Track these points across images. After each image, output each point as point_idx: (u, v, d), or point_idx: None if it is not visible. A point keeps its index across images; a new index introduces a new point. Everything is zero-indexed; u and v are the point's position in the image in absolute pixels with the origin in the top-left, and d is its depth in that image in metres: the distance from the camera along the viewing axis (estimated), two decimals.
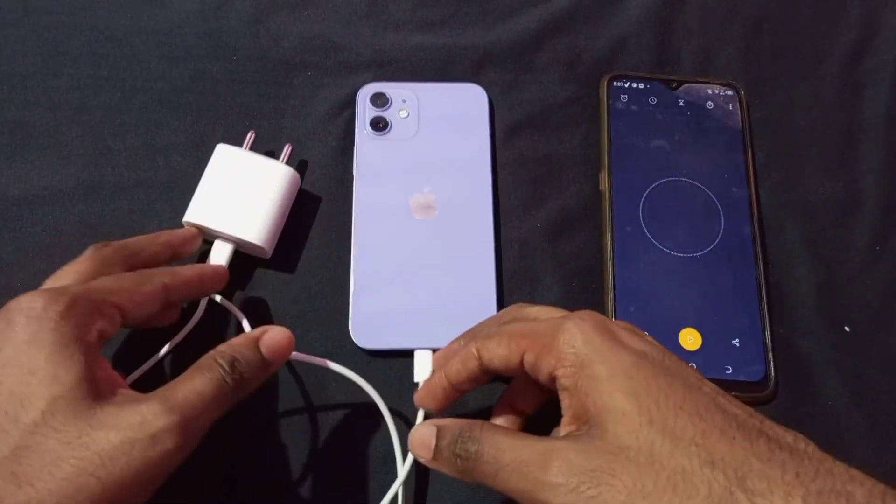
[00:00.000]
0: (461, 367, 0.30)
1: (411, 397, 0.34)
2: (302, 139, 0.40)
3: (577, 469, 0.24)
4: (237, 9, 0.43)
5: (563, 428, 0.27)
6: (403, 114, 0.40)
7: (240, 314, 0.35)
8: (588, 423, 0.25)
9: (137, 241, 0.34)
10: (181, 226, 0.37)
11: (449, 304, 0.37)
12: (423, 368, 0.35)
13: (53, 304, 0.26)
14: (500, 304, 0.38)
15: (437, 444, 0.28)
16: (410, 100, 0.41)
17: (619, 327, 0.27)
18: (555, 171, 0.41)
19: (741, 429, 0.24)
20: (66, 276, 0.30)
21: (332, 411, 0.36)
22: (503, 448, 0.26)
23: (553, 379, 0.27)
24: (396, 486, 0.32)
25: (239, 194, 0.37)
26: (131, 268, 0.32)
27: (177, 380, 0.27)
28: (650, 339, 0.27)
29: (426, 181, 0.39)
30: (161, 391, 0.27)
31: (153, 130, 0.40)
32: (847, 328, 0.38)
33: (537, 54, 0.43)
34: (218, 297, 0.35)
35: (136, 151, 0.40)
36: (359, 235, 0.38)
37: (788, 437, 0.24)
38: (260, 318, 0.37)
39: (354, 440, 0.35)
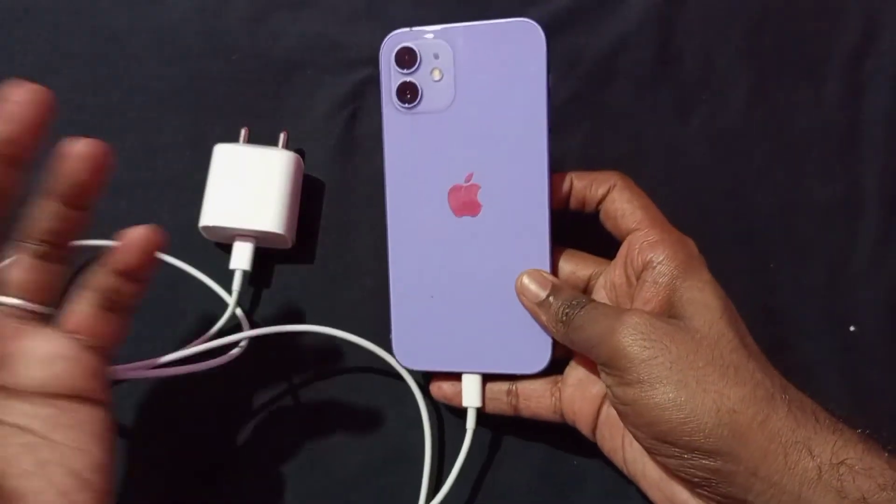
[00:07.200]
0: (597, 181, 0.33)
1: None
2: (301, 138, 0.40)
3: (645, 326, 0.27)
4: (236, 8, 0.43)
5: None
6: (437, 75, 0.33)
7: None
8: (669, 313, 0.28)
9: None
10: (187, 227, 0.37)
11: (501, 319, 0.32)
12: (472, 394, 0.33)
13: None
14: None
15: (547, 298, 0.30)
16: (444, 54, 0.33)
17: None
18: (555, 171, 0.41)
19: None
20: None
21: (358, 394, 0.37)
22: (599, 320, 0.28)
23: (646, 266, 0.29)
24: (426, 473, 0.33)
25: (248, 188, 0.36)
26: None
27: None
28: None
29: (466, 166, 0.33)
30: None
31: (152, 130, 0.40)
32: (852, 328, 0.38)
33: None
34: (231, 305, 0.35)
35: (136, 151, 0.40)
36: (395, 237, 0.33)
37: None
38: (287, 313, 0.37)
39: (382, 422, 0.36)
